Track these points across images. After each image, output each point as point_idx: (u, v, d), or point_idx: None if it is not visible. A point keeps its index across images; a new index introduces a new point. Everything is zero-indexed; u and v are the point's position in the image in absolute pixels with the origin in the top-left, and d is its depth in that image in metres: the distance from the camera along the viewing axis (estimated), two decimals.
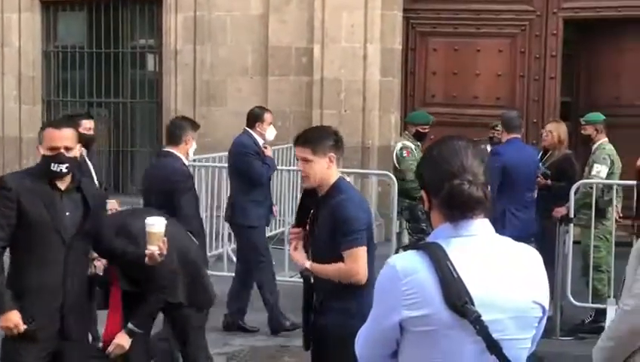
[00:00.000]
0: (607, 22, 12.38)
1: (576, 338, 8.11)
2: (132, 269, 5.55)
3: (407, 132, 9.99)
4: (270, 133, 8.68)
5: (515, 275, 2.66)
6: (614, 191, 8.66)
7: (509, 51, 12.52)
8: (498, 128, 9.16)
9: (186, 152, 6.88)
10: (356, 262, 4.61)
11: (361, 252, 4.63)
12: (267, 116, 8.75)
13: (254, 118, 8.73)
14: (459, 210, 2.64)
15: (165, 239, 5.17)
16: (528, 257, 2.74)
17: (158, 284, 5.62)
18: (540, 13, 12.39)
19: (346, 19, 12.26)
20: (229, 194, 8.92)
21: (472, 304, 2.54)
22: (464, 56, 12.61)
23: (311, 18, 12.44)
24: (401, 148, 9.50)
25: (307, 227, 4.84)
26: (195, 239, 6.42)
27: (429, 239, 2.73)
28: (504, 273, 2.65)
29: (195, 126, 7.10)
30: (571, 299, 8.49)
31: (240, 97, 12.96)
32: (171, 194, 6.66)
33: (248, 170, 8.37)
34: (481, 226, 2.69)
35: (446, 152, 2.70)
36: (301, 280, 4.93)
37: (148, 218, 5.24)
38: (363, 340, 2.79)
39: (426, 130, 9.75)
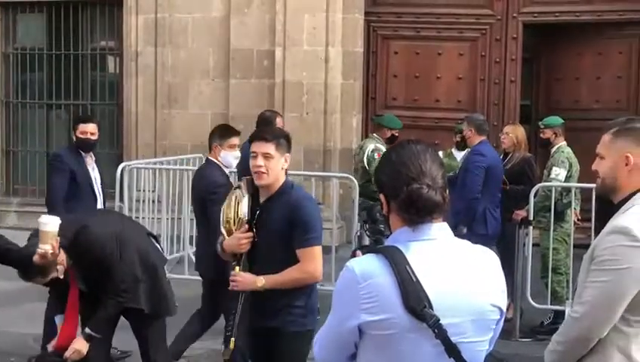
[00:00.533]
0: (566, 26, 12.51)
1: (535, 340, 8.19)
2: (92, 272, 5.52)
3: (376, 134, 10.03)
4: None
5: (474, 278, 2.68)
6: (573, 194, 8.77)
7: (470, 55, 12.60)
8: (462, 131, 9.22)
9: (216, 159, 6.94)
10: (314, 261, 4.68)
11: (319, 251, 4.72)
12: (279, 120, 8.73)
13: (264, 121, 8.69)
14: (417, 214, 2.65)
15: (58, 238, 5.16)
16: (486, 260, 2.76)
17: (117, 288, 5.59)
18: (500, 17, 12.48)
19: (307, 22, 12.27)
20: None
21: (431, 308, 2.56)
22: (425, 59, 12.67)
23: (272, 21, 12.44)
24: (373, 151, 9.52)
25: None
26: None
27: (387, 243, 2.74)
28: (463, 276, 2.66)
29: (225, 134, 7.09)
30: (531, 300, 8.57)
31: (201, 100, 12.93)
32: (203, 203, 6.72)
33: None
34: (439, 230, 2.70)
35: (405, 156, 2.72)
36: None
37: (42, 217, 5.26)
38: (322, 343, 2.79)
39: (398, 135, 9.88)
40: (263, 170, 4.68)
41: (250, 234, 4.72)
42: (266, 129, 5.19)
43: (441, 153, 9.50)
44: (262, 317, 4.76)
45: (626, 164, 3.36)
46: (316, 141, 12.28)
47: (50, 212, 6.83)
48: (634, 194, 3.36)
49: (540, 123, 9.48)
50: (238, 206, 4.76)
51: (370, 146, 9.69)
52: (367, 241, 4.21)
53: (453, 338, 2.58)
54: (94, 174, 7.98)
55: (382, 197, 2.77)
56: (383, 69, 12.90)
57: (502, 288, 2.75)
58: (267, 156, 4.68)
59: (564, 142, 9.04)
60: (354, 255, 2.97)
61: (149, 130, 13.04)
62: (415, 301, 2.55)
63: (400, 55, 12.82)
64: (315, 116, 12.33)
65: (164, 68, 13.02)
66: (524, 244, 8.64)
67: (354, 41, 12.55)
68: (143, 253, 5.83)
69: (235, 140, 7.10)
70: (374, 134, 10.17)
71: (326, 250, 9.42)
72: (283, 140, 4.79)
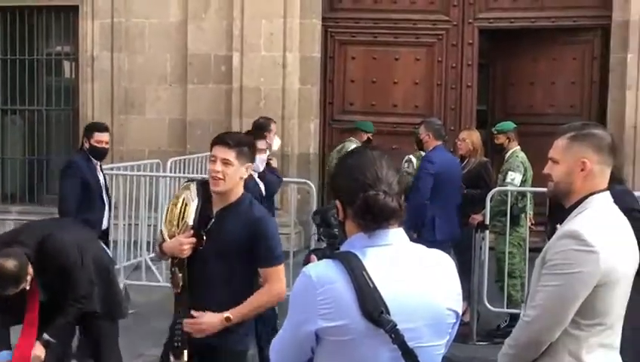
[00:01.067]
0: (521, 32, 12.64)
1: (492, 343, 8.26)
2: (53, 279, 5.51)
3: (353, 138, 10.16)
4: (275, 143, 8.64)
5: (430, 283, 2.69)
6: (528, 198, 8.86)
7: (427, 60, 12.69)
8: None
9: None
10: (280, 281, 4.50)
11: (283, 269, 4.56)
12: (273, 126, 8.72)
13: (260, 127, 8.68)
14: (374, 220, 2.65)
15: None
16: (442, 264, 2.77)
17: (77, 295, 5.60)
18: (456, 22, 12.60)
19: (264, 27, 12.29)
20: None
21: (388, 313, 2.57)
22: (382, 64, 12.74)
23: (230, 26, 12.44)
24: None
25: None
26: None
27: (343, 248, 2.74)
28: (419, 281, 2.67)
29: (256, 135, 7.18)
30: (487, 304, 8.65)
31: (159, 105, 12.89)
32: None
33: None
34: (395, 235, 2.71)
35: (361, 163, 2.71)
36: None
37: None
38: (278, 348, 2.79)
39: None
40: (220, 176, 4.44)
41: (193, 239, 4.48)
42: (231, 134, 4.80)
43: (412, 157, 9.60)
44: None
45: (582, 170, 3.39)
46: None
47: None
48: (585, 198, 3.40)
49: (493, 128, 9.58)
50: (185, 208, 4.54)
51: (351, 147, 9.78)
52: (322, 244, 4.15)
53: (410, 343, 2.60)
54: (102, 181, 8.14)
55: (338, 203, 2.76)
56: (341, 74, 12.95)
57: (458, 292, 2.77)
58: (226, 162, 4.44)
59: (518, 147, 9.13)
60: (308, 259, 3.00)
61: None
62: (372, 306, 2.56)
63: (357, 60, 12.88)
64: None
65: (121, 73, 12.96)
66: (480, 248, 8.72)
67: (311, 46, 12.59)
68: (97, 258, 5.84)
69: (262, 144, 7.17)
70: (352, 138, 10.48)
71: (284, 255, 9.55)
72: (246, 149, 4.53)
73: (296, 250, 10.01)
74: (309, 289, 2.62)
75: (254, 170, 7.02)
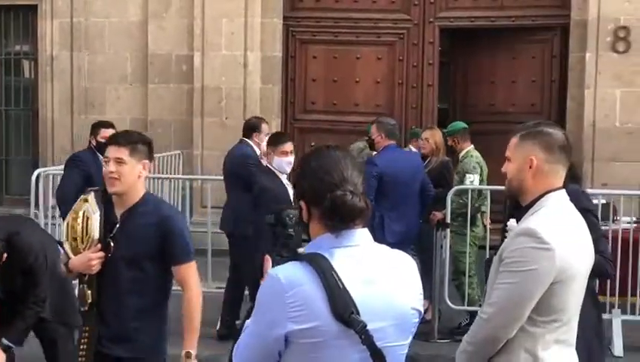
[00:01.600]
0: (482, 31, 12.73)
1: (453, 341, 8.30)
2: (15, 278, 5.43)
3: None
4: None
5: (396, 283, 2.71)
6: (488, 197, 8.89)
7: (388, 59, 12.73)
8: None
9: (270, 165, 7.19)
10: (195, 276, 4.41)
11: (195, 266, 4.44)
12: (264, 127, 8.69)
13: (252, 128, 8.67)
14: (342, 220, 2.65)
15: None
16: (404, 264, 2.79)
17: (38, 298, 5.50)
18: (417, 22, 12.64)
19: (225, 27, 12.26)
20: (226, 205, 8.75)
21: (358, 314, 2.57)
22: (344, 63, 12.76)
23: (191, 25, 12.40)
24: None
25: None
26: None
27: (308, 250, 2.72)
28: (386, 281, 2.69)
29: (277, 140, 7.23)
30: (448, 302, 8.70)
31: (119, 105, 12.83)
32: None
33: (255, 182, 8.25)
34: (362, 236, 2.71)
35: (326, 163, 2.71)
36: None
37: None
38: (243, 353, 2.74)
39: None
40: (114, 175, 4.27)
41: (102, 254, 4.29)
42: (122, 133, 4.61)
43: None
44: (111, 343, 4.34)
45: (530, 167, 3.42)
46: None
47: (61, 207, 6.88)
48: (541, 196, 3.44)
49: (443, 130, 9.61)
50: (87, 222, 4.33)
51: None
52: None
53: (377, 344, 2.60)
54: None
55: (302, 204, 2.75)
56: (302, 73, 12.96)
57: (420, 291, 2.79)
58: (119, 161, 4.28)
59: (472, 147, 9.16)
60: (261, 259, 2.95)
61: (66, 136, 12.87)
62: (342, 308, 2.56)
63: (319, 59, 12.90)
64: (234, 121, 12.27)
65: (81, 73, 12.88)
66: (441, 247, 8.76)
67: (273, 45, 12.58)
68: (52, 262, 5.73)
69: (288, 146, 7.14)
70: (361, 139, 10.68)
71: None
72: (141, 146, 4.37)
73: None
74: (278, 293, 2.58)
75: (281, 172, 7.09)
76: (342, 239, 2.67)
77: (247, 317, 2.85)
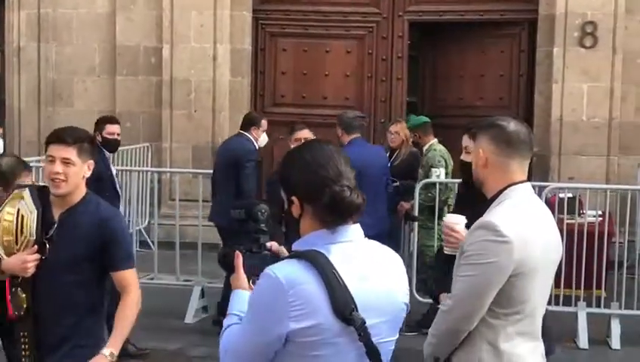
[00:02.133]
0: (450, 25, 12.77)
1: (421, 334, 8.34)
2: None
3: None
4: (263, 139, 8.57)
5: (387, 278, 2.72)
6: (456, 191, 8.93)
7: (357, 52, 12.74)
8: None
9: None
10: (135, 281, 4.16)
11: (135, 271, 4.20)
12: (264, 122, 8.68)
13: (251, 122, 8.67)
14: (341, 216, 2.62)
15: None
16: (393, 259, 2.80)
17: None
18: (385, 15, 12.66)
19: (195, 19, 12.22)
20: (215, 197, 8.74)
21: (357, 311, 2.56)
22: (313, 56, 12.76)
23: (159, 17, 12.35)
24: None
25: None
26: None
27: (300, 246, 2.67)
28: (379, 277, 2.69)
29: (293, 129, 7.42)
30: (417, 295, 8.74)
31: (87, 97, 12.75)
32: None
33: (246, 178, 8.29)
34: (355, 231, 2.69)
35: (321, 158, 2.67)
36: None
37: None
38: (237, 353, 2.69)
39: None
40: (61, 177, 3.98)
41: (38, 256, 4.02)
42: (67, 130, 4.14)
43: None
44: (50, 348, 4.08)
45: (481, 160, 3.48)
46: (204, 138, 12.27)
47: None
48: (504, 189, 3.47)
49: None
50: (22, 221, 4.04)
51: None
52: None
53: (373, 339, 2.61)
54: (114, 173, 8.18)
55: (295, 199, 2.68)
56: (272, 66, 12.93)
57: (407, 286, 2.81)
58: (67, 162, 3.99)
59: (435, 140, 9.21)
60: (229, 255, 2.91)
61: (32, 128, 12.79)
62: (343, 305, 2.54)
63: (288, 52, 12.88)
64: (204, 113, 12.30)
65: (48, 64, 12.79)
66: (409, 240, 8.80)
67: (242, 38, 12.55)
68: None
69: (302, 133, 7.34)
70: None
71: (213, 248, 9.49)
72: (87, 145, 4.09)
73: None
74: (278, 292, 2.54)
75: None
76: (337, 235, 2.64)
77: (221, 312, 2.83)
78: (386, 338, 2.69)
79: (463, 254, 3.37)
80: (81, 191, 4.12)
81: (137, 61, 12.57)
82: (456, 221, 4.03)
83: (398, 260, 2.81)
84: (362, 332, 2.56)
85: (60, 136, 4.06)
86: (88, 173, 4.10)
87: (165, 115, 12.37)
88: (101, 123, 8.20)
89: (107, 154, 8.07)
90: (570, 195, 9.07)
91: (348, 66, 12.77)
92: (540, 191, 8.82)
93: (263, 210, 2.99)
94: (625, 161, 11.73)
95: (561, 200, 8.80)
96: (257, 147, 8.53)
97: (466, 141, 4.73)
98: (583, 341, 8.23)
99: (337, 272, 2.56)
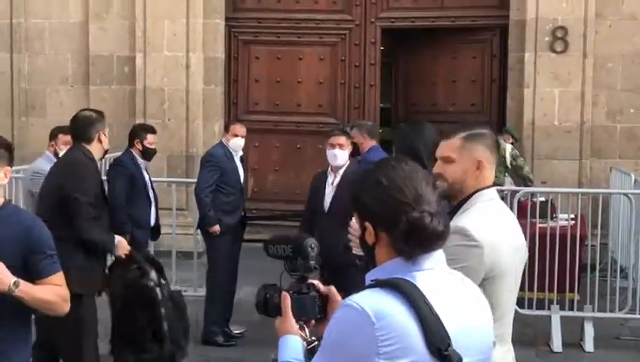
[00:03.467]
0: (422, 31, 12.78)
1: None
2: None
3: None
4: (234, 143, 8.59)
5: (475, 312, 2.47)
6: None
7: (330, 59, 12.74)
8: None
9: None
10: (65, 285, 3.84)
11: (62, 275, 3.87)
12: (233, 127, 8.71)
13: (225, 127, 9.05)
14: (421, 246, 2.36)
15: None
16: (476, 291, 2.56)
17: None
18: (358, 22, 12.66)
19: (167, 28, 12.16)
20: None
21: (452, 346, 2.29)
22: (286, 64, 12.74)
23: (132, 26, 12.28)
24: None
25: None
26: None
27: (378, 276, 2.39)
28: (467, 310, 2.43)
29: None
30: None
31: (60, 107, 12.63)
32: None
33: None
34: (438, 259, 2.43)
35: (397, 179, 2.40)
36: None
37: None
38: None
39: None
40: None
41: None
42: None
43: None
44: None
45: (477, 169, 3.43)
46: (178, 147, 12.20)
47: (112, 214, 6.99)
48: (472, 194, 3.45)
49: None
50: None
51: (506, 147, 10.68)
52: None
53: None
54: (148, 179, 8.32)
55: (368, 225, 2.42)
56: (245, 74, 12.91)
57: (492, 323, 2.55)
58: None
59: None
60: (266, 296, 2.67)
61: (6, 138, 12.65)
62: (439, 340, 2.25)
63: (261, 60, 12.86)
64: (177, 122, 12.24)
65: (21, 74, 12.69)
66: None
67: (215, 46, 12.51)
68: None
69: (335, 139, 7.40)
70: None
71: (188, 256, 9.49)
72: (3, 151, 3.81)
73: (202, 251, 9.92)
74: (365, 325, 2.24)
75: (331, 168, 7.34)
76: (418, 263, 2.37)
77: (210, 322, 2.60)
78: None
79: None
80: (1, 197, 3.80)
81: (111, 70, 12.50)
82: None
83: (478, 291, 2.56)
84: None
85: None
86: (5, 181, 3.77)
87: None
88: (142, 132, 8.36)
89: (140, 160, 8.19)
90: (542, 199, 9.09)
91: (321, 73, 12.77)
92: (512, 195, 8.85)
93: (313, 245, 2.67)
94: (597, 165, 11.77)
95: (534, 204, 8.80)
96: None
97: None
98: (556, 344, 8.22)
99: (429, 302, 2.28)
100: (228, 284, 8.39)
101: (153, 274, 5.99)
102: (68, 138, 7.91)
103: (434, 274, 2.38)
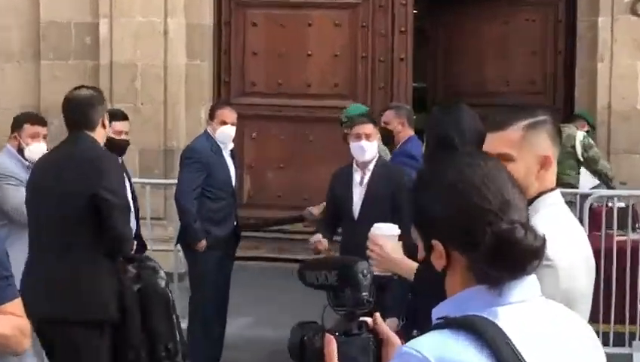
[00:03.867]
0: None
1: None
2: None
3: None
4: (222, 133, 8.69)
5: (580, 357, 2.39)
6: None
7: (348, 26, 12.72)
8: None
9: None
10: (23, 313, 3.81)
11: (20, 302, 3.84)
12: (220, 112, 8.78)
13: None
14: (512, 268, 2.26)
15: None
16: (583, 328, 2.48)
17: None
18: None
19: None
20: None
21: None
22: (292, 32, 12.74)
23: None
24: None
25: None
26: None
27: (450, 311, 2.33)
28: (569, 354, 2.35)
29: None
30: None
31: (6, 88, 12.69)
32: None
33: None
34: (530, 288, 2.34)
35: (475, 180, 2.31)
36: None
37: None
38: None
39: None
40: None
41: None
42: None
43: None
44: None
45: (542, 167, 3.37)
46: (154, 139, 12.18)
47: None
48: (535, 199, 3.36)
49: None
50: None
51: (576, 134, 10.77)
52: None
53: None
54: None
55: (437, 244, 2.35)
56: (239, 45, 12.92)
57: None
58: None
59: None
60: (306, 339, 2.58)
61: None
62: None
63: (260, 27, 12.87)
64: (153, 107, 12.22)
65: None
66: None
67: (200, 10, 12.50)
68: None
69: (360, 128, 7.48)
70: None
71: (167, 278, 9.45)
72: None
73: (184, 271, 9.95)
74: None
75: (357, 163, 7.46)
76: (505, 294, 2.28)
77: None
78: None
79: None
80: None
81: (68, 42, 12.50)
82: (381, 232, 3.92)
83: (590, 330, 2.49)
84: None
85: None
86: None
87: None
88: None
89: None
90: (621, 204, 9.06)
91: (336, 44, 12.75)
92: (582, 199, 8.81)
93: (365, 271, 2.55)
94: None
95: (611, 210, 8.77)
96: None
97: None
98: None
99: (514, 346, 2.19)
100: (217, 315, 8.36)
101: (163, 273, 6.70)
102: (37, 129, 7.89)
103: (525, 309, 2.29)
